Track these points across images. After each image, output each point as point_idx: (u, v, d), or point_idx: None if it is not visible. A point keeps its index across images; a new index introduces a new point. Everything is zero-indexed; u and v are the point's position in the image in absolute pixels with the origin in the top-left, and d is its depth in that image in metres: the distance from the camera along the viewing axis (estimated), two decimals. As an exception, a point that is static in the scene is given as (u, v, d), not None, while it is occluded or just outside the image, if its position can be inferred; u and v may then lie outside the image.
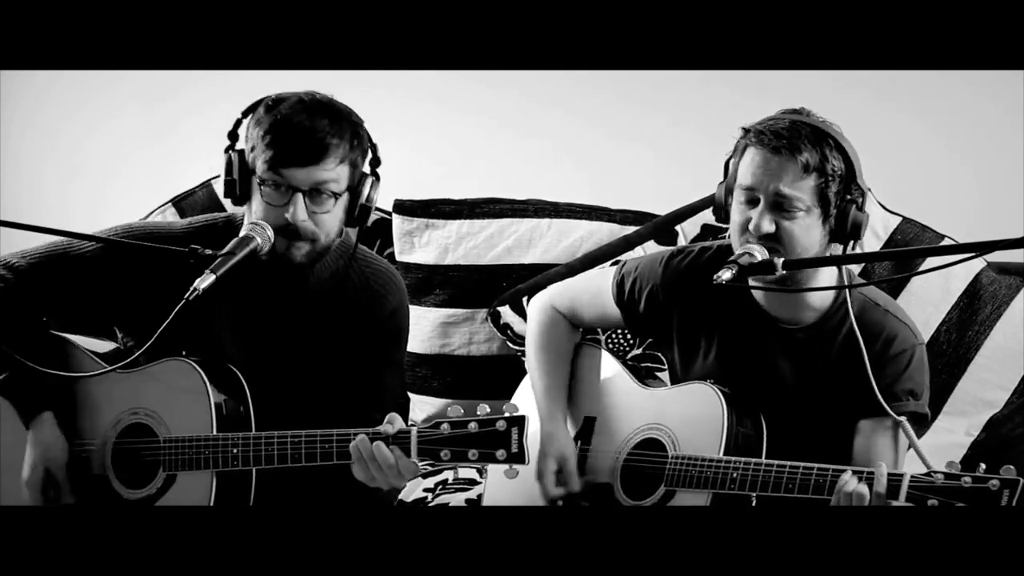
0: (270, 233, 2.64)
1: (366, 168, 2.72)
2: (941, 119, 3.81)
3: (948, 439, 3.40)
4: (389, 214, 3.77)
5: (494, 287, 3.67)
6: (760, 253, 2.62)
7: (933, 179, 3.80)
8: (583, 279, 3.12)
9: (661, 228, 3.63)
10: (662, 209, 3.67)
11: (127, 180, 4.22)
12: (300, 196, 2.62)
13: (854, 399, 2.71)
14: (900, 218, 3.54)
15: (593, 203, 3.75)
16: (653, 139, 3.97)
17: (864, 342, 2.69)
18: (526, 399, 3.00)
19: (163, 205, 3.76)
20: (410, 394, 3.70)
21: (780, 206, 2.62)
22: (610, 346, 3.42)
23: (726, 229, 3.51)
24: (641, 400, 2.87)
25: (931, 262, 3.04)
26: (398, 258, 3.73)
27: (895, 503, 2.46)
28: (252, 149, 2.66)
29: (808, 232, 2.64)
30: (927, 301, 3.47)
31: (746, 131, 2.68)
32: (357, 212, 2.70)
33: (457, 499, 3.31)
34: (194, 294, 2.51)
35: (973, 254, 2.74)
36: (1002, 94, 3.70)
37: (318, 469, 2.58)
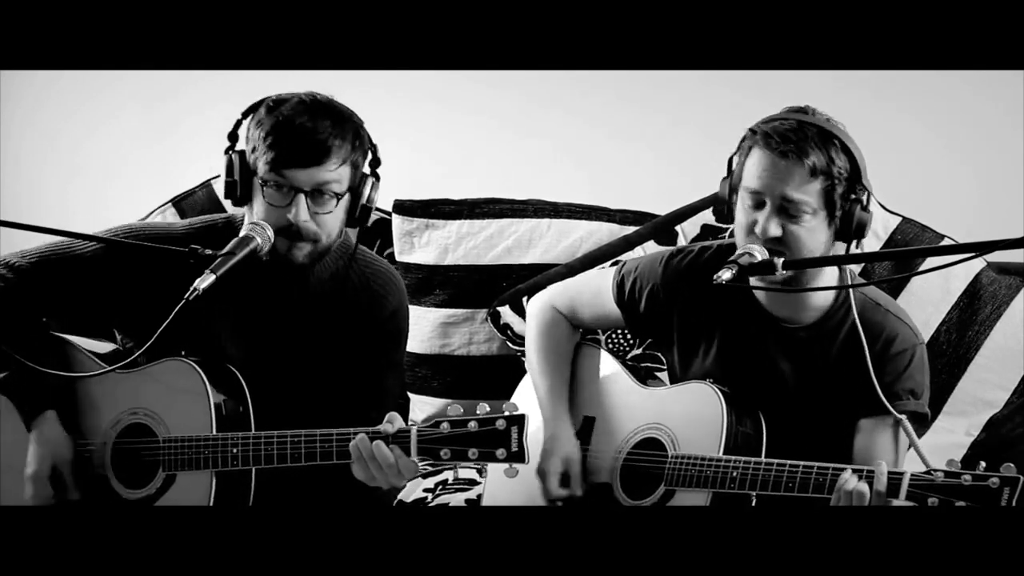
0: (270, 233, 2.64)
1: (366, 169, 2.72)
2: (941, 119, 3.81)
3: (948, 439, 3.40)
4: (389, 214, 3.76)
5: (494, 287, 3.67)
6: (760, 253, 2.62)
7: (933, 179, 3.80)
8: (583, 279, 3.12)
9: (661, 228, 3.63)
10: (662, 209, 3.67)
11: (127, 180, 4.22)
12: (302, 197, 2.62)
13: (854, 398, 2.71)
14: (900, 218, 3.54)
15: (593, 203, 3.75)
16: (653, 139, 3.97)
17: (865, 341, 2.69)
18: (526, 399, 3.00)
19: (163, 205, 3.76)
20: (410, 394, 3.70)
21: (787, 210, 2.62)
22: (610, 346, 3.42)
23: (726, 229, 3.53)
24: (641, 400, 2.87)
25: (931, 262, 3.04)
26: (398, 258, 3.73)
27: (895, 502, 2.47)
28: (253, 150, 2.66)
29: (814, 234, 2.64)
30: (927, 301, 3.47)
31: (753, 132, 2.67)
32: (358, 213, 2.70)
33: (457, 499, 3.31)
34: (194, 294, 2.51)
35: (973, 254, 2.74)
36: (1002, 94, 3.70)
37: (318, 469, 2.58)
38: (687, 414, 2.77)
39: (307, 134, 2.61)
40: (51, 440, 2.68)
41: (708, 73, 3.79)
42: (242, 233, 2.63)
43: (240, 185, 2.67)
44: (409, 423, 2.55)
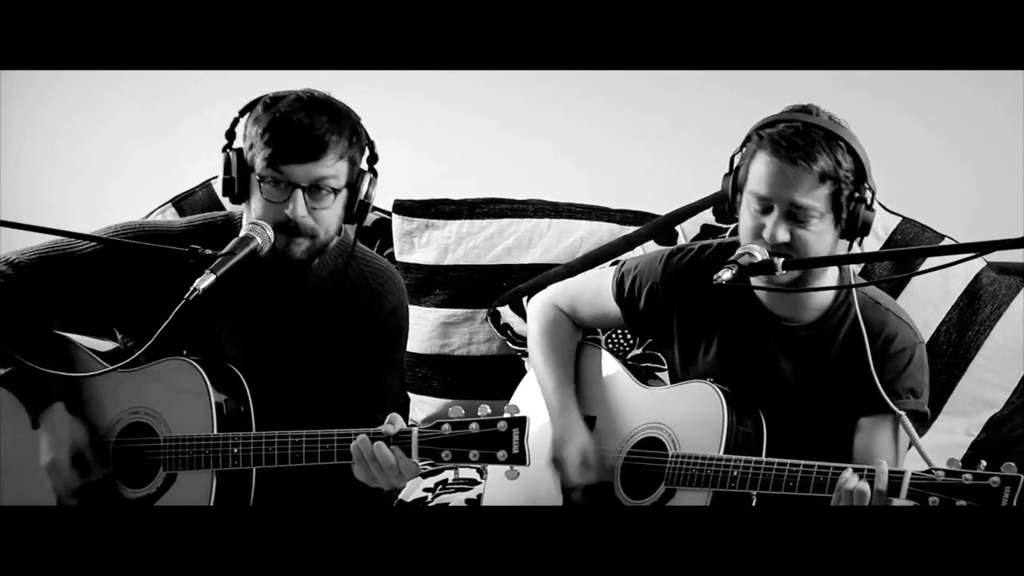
0: (270, 233, 2.64)
1: (364, 165, 2.72)
2: (941, 119, 3.81)
3: (948, 439, 3.40)
4: (389, 214, 3.77)
5: (494, 287, 3.67)
6: (760, 253, 2.61)
7: (933, 179, 3.80)
8: (583, 279, 3.12)
9: (661, 228, 3.63)
10: (662, 209, 3.67)
11: (127, 180, 4.22)
12: (300, 192, 2.62)
13: (854, 396, 2.71)
14: (900, 218, 3.54)
15: (593, 203, 3.75)
16: (653, 139, 3.97)
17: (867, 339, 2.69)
18: (526, 399, 3.00)
19: (163, 205, 3.76)
20: (410, 394, 3.70)
21: (795, 215, 2.62)
22: (610, 346, 3.43)
23: (726, 229, 3.54)
24: (641, 399, 2.87)
25: (931, 262, 3.04)
26: (398, 258, 3.73)
27: (896, 501, 2.47)
28: (251, 147, 2.66)
29: (821, 237, 2.64)
30: (927, 301, 3.47)
31: (760, 136, 2.65)
32: (356, 209, 2.71)
33: (457, 499, 3.31)
34: (194, 294, 2.51)
35: (973, 254, 2.74)
36: (1002, 94, 3.70)
37: (318, 469, 2.58)
38: (688, 413, 2.77)
39: (304, 130, 2.61)
40: (64, 426, 2.68)
41: (708, 73, 3.79)
42: (242, 233, 2.63)
43: (238, 182, 2.68)
44: (409, 423, 2.56)
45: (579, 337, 3.03)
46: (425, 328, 3.69)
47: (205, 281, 2.52)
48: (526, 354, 3.47)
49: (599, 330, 3.38)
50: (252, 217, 2.67)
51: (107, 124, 4.27)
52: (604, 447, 2.87)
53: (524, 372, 3.14)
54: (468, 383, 3.68)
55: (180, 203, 3.76)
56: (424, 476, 3.38)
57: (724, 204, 2.75)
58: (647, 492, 2.77)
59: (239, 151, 2.69)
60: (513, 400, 3.03)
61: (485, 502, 3.03)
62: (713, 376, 2.79)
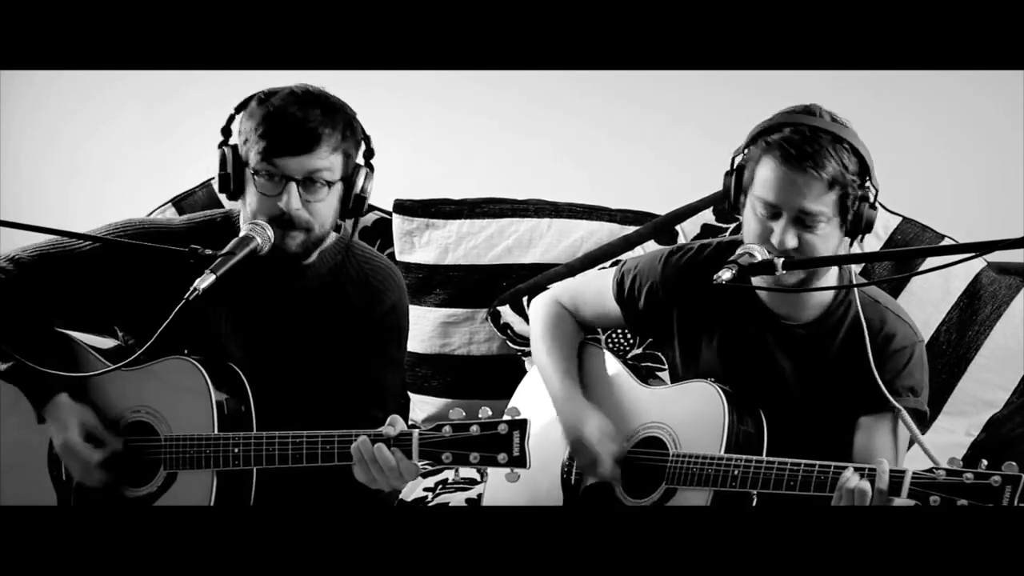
0: (270, 233, 2.64)
1: (360, 160, 2.72)
2: (941, 119, 3.81)
3: (948, 439, 3.40)
4: (389, 214, 3.77)
5: (494, 287, 3.67)
6: (760, 253, 2.61)
7: (933, 179, 3.80)
8: (584, 278, 3.12)
9: (661, 228, 3.63)
10: (662, 209, 3.67)
11: (127, 180, 4.22)
12: (294, 185, 2.63)
13: (855, 395, 2.71)
14: (900, 218, 3.54)
15: (593, 203, 3.75)
16: (653, 139, 3.97)
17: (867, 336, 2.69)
18: (526, 399, 3.00)
19: (163, 205, 3.76)
20: (410, 394, 3.70)
21: (803, 221, 2.61)
22: (610, 346, 3.43)
23: (726, 229, 3.54)
24: (642, 399, 2.87)
25: (931, 262, 3.04)
26: (398, 258, 3.73)
27: (897, 500, 2.46)
28: (245, 142, 2.67)
29: (828, 240, 2.64)
30: (927, 301, 3.47)
31: (767, 143, 2.64)
32: (352, 203, 2.71)
33: (457, 499, 3.31)
34: (194, 294, 2.51)
35: (973, 254, 2.74)
36: (1002, 94, 3.70)
37: (319, 469, 2.58)
38: (688, 413, 2.77)
39: (297, 123, 2.62)
40: (71, 409, 2.68)
41: (708, 73, 3.79)
42: (242, 233, 2.64)
43: (233, 178, 2.68)
44: (409, 423, 2.55)
45: (582, 335, 3.03)
46: (425, 328, 3.69)
47: (205, 281, 2.53)
48: (526, 353, 3.48)
49: (599, 330, 3.38)
50: (248, 212, 2.67)
51: (107, 124, 4.27)
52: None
53: (524, 372, 3.14)
54: (468, 383, 3.68)
55: (180, 203, 3.76)
56: (424, 476, 3.38)
57: (724, 203, 2.75)
58: (648, 491, 2.76)
59: (234, 147, 2.69)
60: (513, 400, 3.03)
61: (485, 502, 3.03)
62: (714, 375, 2.79)
